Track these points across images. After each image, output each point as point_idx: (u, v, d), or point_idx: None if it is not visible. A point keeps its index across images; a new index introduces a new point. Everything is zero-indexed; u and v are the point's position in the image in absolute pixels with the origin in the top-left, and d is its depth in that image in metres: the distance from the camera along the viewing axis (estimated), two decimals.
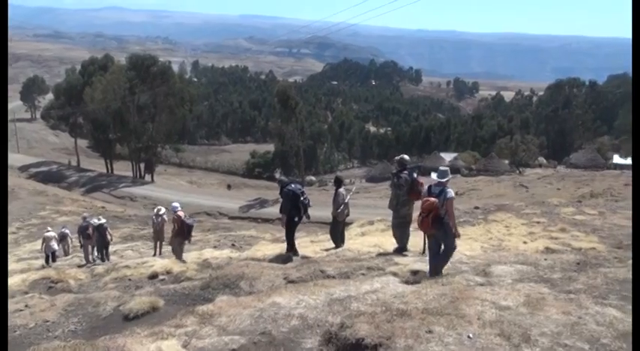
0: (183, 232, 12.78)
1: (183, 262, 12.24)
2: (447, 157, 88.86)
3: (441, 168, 8.03)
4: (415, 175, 9.39)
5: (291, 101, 61.02)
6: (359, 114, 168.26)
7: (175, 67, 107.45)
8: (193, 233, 13.70)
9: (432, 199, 7.56)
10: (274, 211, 38.99)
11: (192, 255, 13.87)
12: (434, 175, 7.83)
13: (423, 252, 8.70)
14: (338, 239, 11.94)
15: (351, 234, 14.73)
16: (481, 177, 64.82)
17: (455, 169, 76.22)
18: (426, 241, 8.09)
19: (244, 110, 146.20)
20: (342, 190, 11.77)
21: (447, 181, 7.72)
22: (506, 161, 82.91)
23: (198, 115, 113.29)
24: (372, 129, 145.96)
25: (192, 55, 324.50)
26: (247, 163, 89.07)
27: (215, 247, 17.74)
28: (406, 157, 9.72)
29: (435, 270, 7.64)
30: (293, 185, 10.43)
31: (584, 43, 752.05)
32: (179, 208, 13.12)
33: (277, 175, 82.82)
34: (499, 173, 71.59)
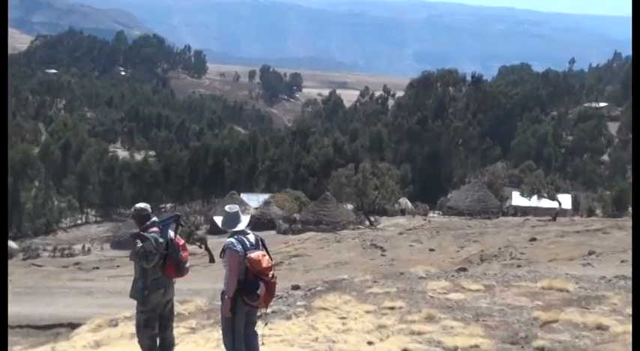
0: None
1: None
2: (252, 200, 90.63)
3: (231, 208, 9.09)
4: (172, 232, 9.45)
5: None
6: (98, 127, 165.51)
7: None
8: None
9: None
10: None
11: None
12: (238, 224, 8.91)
13: None
14: None
15: (77, 345, 14.29)
16: (310, 234, 66.83)
17: (265, 222, 77.96)
18: None
19: None
20: None
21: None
22: (350, 206, 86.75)
23: None
24: (122, 153, 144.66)
25: None
26: None
27: None
28: (144, 205, 9.81)
29: None
30: None
31: (464, 15, 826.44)
32: None
33: None
34: (339, 226, 74.54)
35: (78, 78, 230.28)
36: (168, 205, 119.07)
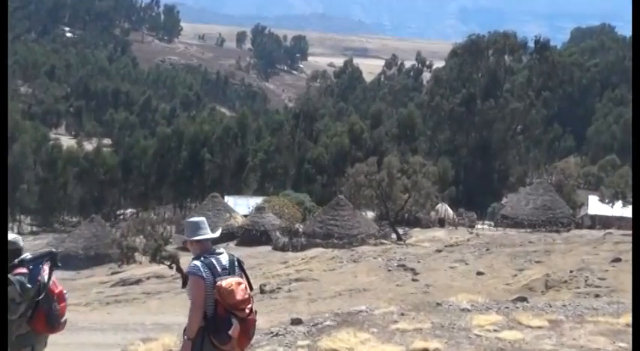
0: None
1: None
2: (240, 204, 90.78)
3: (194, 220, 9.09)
4: (45, 274, 9.39)
5: None
6: (35, 106, 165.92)
7: None
8: None
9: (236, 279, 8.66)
10: None
11: None
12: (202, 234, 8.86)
13: None
14: None
15: None
16: (318, 251, 66.87)
17: (258, 235, 78.02)
18: None
19: None
20: None
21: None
22: (372, 214, 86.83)
23: None
24: (68, 141, 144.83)
25: None
26: None
27: None
28: (12, 238, 9.67)
29: None
30: None
31: None
32: None
33: None
34: (356, 241, 74.61)
35: (11, 41, 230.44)
36: (128, 212, 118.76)
